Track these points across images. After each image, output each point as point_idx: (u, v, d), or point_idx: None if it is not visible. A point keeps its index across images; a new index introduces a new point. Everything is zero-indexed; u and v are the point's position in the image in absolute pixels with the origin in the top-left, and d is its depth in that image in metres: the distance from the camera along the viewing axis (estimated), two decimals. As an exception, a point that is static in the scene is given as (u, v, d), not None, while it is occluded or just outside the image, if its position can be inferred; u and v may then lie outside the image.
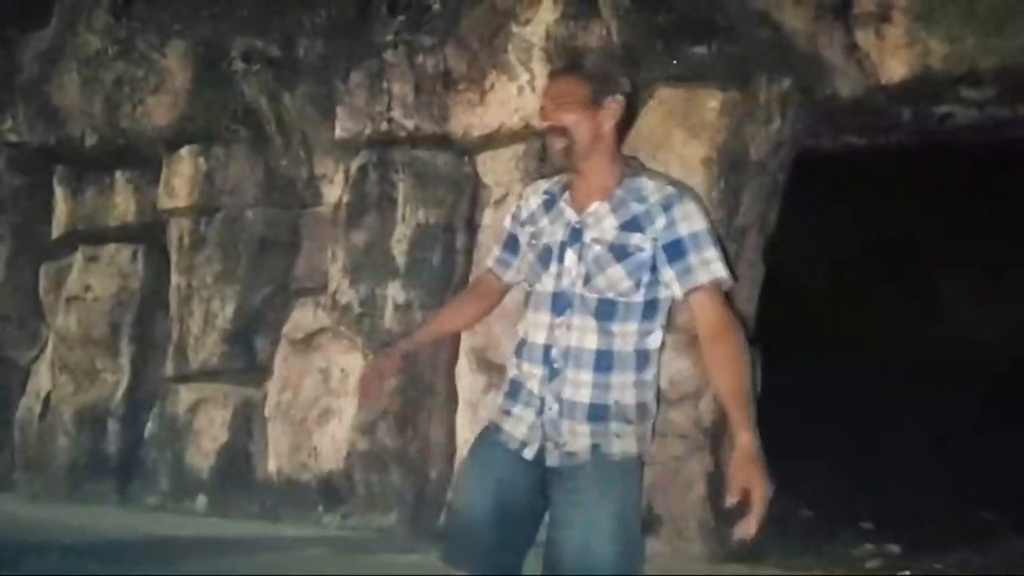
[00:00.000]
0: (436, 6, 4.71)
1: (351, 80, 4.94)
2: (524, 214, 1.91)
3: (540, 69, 4.44)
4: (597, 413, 1.75)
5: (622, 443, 1.77)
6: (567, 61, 1.89)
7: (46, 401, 5.87)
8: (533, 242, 1.85)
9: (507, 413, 1.86)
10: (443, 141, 4.77)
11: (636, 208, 1.76)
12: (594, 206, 1.79)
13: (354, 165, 4.99)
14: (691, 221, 1.77)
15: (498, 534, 1.77)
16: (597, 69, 1.97)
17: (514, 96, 4.51)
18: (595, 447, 1.76)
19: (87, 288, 5.92)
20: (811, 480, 5.25)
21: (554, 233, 1.81)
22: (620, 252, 1.74)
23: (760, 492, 1.66)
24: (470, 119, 4.66)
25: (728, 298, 1.87)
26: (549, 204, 1.87)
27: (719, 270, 1.79)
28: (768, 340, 4.39)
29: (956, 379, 6.67)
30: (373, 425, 4.73)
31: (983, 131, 4.31)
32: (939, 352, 6.79)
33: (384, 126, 4.86)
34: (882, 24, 3.83)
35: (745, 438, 1.68)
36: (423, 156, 4.81)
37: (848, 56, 3.95)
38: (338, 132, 5.00)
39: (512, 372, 1.90)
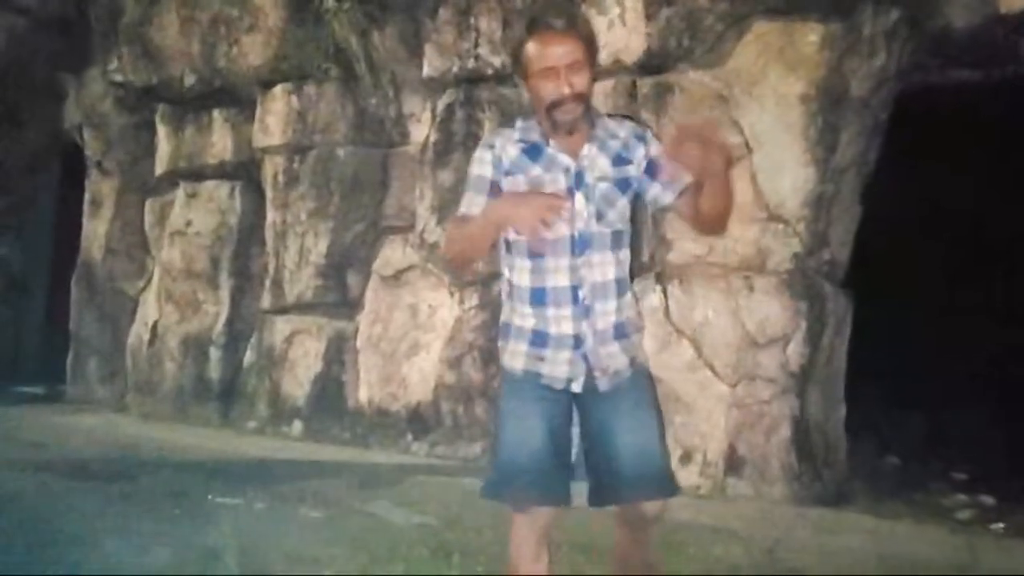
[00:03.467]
0: (525, -62, 4.62)
1: (439, 17, 4.92)
2: (506, 163, 1.90)
3: (632, 2, 4.32)
4: (620, 331, 1.91)
5: (642, 352, 1.98)
6: (560, 15, 1.85)
7: (154, 330, 6.24)
8: (535, 190, 1.86)
9: (540, 359, 1.91)
10: (530, 78, 4.73)
11: (616, 144, 1.90)
12: (585, 149, 1.87)
13: (441, 103, 5.01)
14: (655, 144, 1.95)
15: (554, 464, 1.88)
16: (588, 27, 1.95)
17: (603, 30, 4.39)
18: (632, 360, 1.93)
19: (188, 223, 6.21)
20: (905, 429, 5.13)
21: (555, 180, 1.86)
22: (623, 185, 1.89)
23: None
24: (558, 55, 4.59)
25: None
26: (533, 152, 1.89)
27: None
28: (861, 285, 4.27)
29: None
30: (459, 360, 4.85)
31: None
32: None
33: (471, 63, 4.85)
34: (1005, -52, 3.57)
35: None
36: (510, 94, 4.78)
37: (965, -17, 3.71)
38: (426, 70, 5.02)
39: (530, 322, 1.92)
